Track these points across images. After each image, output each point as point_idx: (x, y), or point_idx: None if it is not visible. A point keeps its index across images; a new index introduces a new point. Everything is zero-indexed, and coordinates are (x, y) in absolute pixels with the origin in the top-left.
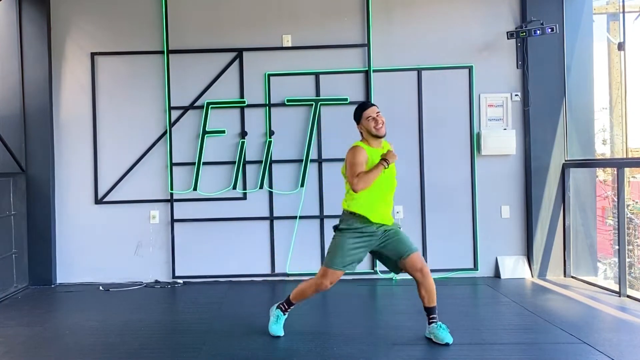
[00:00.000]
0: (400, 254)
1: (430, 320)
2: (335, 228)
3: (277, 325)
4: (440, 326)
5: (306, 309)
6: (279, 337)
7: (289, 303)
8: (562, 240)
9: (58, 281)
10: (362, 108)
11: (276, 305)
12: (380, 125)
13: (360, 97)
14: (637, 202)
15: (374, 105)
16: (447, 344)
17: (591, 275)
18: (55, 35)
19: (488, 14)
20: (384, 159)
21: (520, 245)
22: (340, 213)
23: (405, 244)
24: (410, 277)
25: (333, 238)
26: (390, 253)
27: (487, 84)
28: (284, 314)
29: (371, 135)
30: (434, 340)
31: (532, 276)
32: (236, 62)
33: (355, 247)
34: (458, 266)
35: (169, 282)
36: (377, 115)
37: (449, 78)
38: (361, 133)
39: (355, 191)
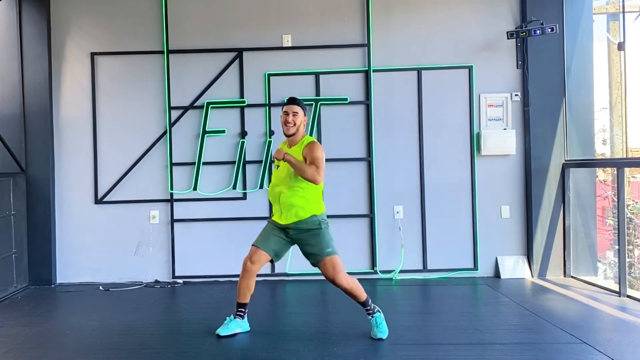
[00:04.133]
0: (312, 262)
1: (367, 313)
2: None
3: (227, 329)
4: (374, 320)
5: (306, 309)
6: (245, 332)
7: (238, 305)
8: (562, 240)
9: (58, 281)
10: (286, 101)
11: (232, 316)
12: (290, 125)
13: (360, 97)
14: (637, 202)
15: (295, 104)
16: (380, 339)
17: (591, 275)
18: (55, 35)
19: (488, 14)
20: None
21: (520, 245)
22: (337, 212)
23: (315, 252)
24: (408, 277)
25: None
26: (304, 254)
27: (487, 84)
28: (240, 318)
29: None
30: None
31: (532, 276)
32: (236, 62)
33: (271, 233)
34: (458, 266)
35: (169, 282)
36: (292, 115)
37: (449, 78)
38: None
39: None
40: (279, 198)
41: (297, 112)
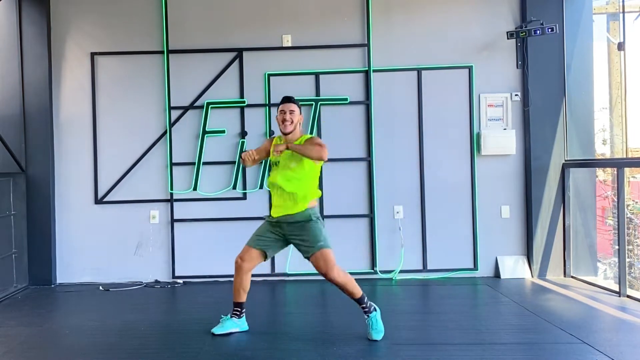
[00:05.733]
0: (304, 255)
1: (364, 311)
2: None
3: (222, 327)
4: (370, 320)
5: (306, 309)
6: (243, 331)
7: (234, 305)
8: (562, 240)
9: (58, 281)
10: (281, 100)
11: (229, 315)
12: (288, 123)
13: (360, 97)
14: (637, 202)
15: (292, 102)
16: (376, 340)
17: (591, 275)
18: (55, 35)
19: (488, 14)
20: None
21: (520, 245)
22: (337, 212)
23: (307, 245)
24: (408, 277)
25: None
26: (297, 249)
27: (487, 84)
28: (236, 317)
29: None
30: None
31: (532, 276)
32: (236, 62)
33: (264, 233)
34: (458, 266)
35: (169, 282)
36: (289, 113)
37: (449, 78)
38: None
39: None
40: (278, 192)
41: (293, 110)
